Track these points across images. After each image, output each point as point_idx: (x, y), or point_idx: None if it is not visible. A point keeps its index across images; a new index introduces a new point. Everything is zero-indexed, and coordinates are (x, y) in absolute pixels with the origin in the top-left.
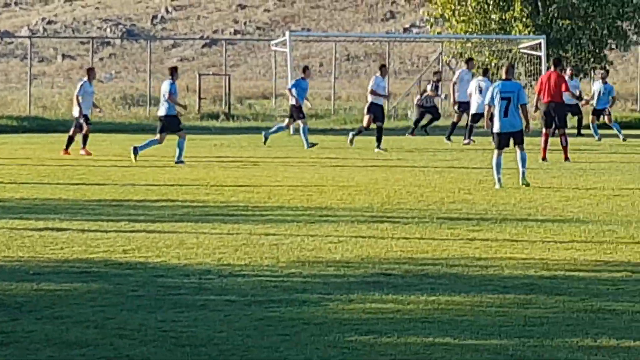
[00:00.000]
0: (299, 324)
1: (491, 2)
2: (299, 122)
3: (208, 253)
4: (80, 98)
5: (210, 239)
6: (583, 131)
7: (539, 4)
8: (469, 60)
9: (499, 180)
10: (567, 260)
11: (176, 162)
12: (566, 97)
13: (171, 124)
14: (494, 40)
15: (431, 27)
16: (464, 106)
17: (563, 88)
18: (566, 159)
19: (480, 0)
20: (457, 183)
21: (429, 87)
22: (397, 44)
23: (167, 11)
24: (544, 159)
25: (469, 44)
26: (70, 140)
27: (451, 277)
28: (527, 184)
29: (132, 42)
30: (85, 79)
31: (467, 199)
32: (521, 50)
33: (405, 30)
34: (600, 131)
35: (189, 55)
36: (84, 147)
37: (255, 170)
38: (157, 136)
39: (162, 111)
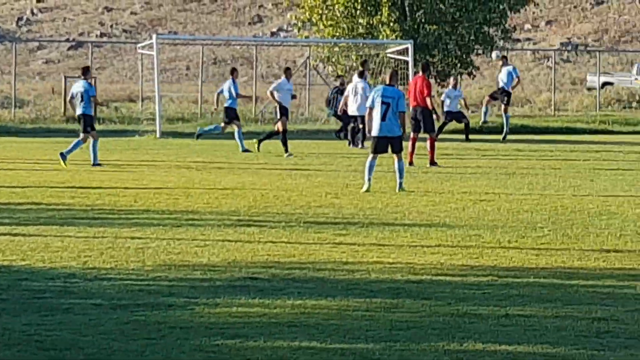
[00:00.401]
0: (164, 328)
1: (359, 7)
2: (234, 124)
3: (73, 256)
4: None
5: (76, 243)
6: (471, 135)
7: (407, 9)
8: (363, 62)
9: (369, 180)
10: (434, 264)
11: (93, 165)
12: (453, 106)
13: (85, 123)
14: (361, 44)
15: (299, 31)
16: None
17: (425, 93)
18: (432, 163)
19: (348, 5)
20: (324, 187)
21: (330, 92)
22: (265, 48)
23: (33, 13)
24: (410, 163)
25: (337, 48)
26: None
27: (318, 281)
28: (403, 190)
29: None
30: None
31: (334, 203)
32: (388, 55)
33: (272, 34)
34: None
35: (55, 58)
36: None
37: (121, 173)
38: (82, 135)
39: (79, 110)
